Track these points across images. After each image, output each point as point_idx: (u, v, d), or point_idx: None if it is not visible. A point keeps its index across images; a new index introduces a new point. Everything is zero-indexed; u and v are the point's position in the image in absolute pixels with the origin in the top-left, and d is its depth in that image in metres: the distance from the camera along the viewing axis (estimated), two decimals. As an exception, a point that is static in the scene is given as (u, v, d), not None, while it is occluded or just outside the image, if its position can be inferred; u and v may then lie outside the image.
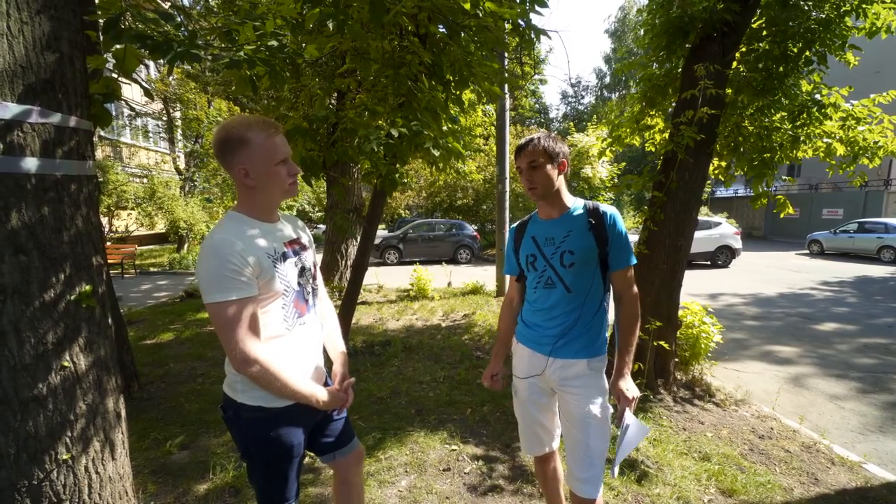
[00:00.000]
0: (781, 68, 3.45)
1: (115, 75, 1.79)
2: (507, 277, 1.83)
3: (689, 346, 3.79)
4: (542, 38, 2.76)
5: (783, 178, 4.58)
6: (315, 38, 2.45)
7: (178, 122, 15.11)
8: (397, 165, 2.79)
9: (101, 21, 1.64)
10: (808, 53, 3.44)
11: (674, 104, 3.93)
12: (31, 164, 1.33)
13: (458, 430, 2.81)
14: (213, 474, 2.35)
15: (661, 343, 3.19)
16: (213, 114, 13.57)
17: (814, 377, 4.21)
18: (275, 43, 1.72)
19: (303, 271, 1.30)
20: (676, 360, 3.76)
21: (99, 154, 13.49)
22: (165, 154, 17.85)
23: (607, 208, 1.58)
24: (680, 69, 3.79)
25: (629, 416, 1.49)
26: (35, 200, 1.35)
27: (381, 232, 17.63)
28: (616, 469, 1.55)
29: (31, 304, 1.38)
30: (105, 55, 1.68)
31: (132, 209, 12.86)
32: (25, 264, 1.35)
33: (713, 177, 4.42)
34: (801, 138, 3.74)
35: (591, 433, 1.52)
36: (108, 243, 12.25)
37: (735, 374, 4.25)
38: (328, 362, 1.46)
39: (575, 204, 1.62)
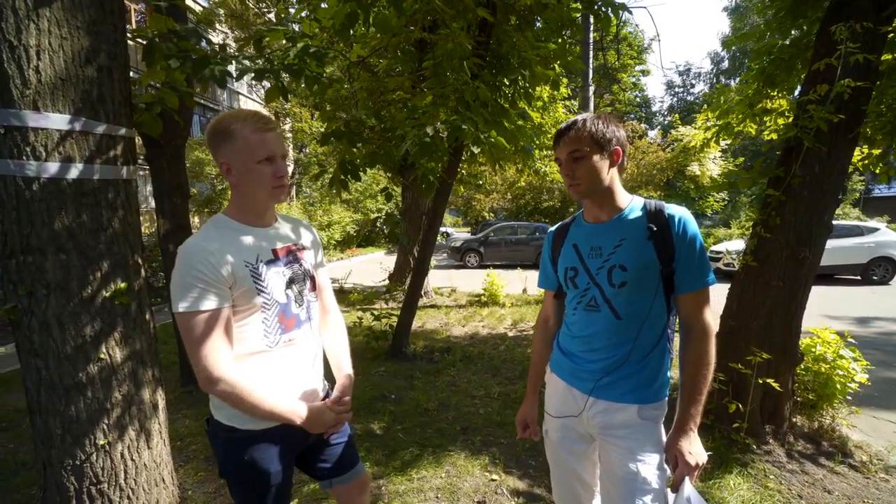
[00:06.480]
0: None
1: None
2: (542, 291, 1.53)
3: (817, 386, 2.96)
4: (647, 25, 2.36)
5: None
6: (362, 38, 2.42)
7: (289, 134, 16.91)
8: (433, 165, 2.63)
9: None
10: None
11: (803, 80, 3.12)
12: (70, 170, 1.44)
13: (503, 456, 2.52)
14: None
15: (770, 381, 2.51)
16: (315, 125, 14.91)
17: None
18: (300, 45, 1.69)
19: (291, 281, 1.18)
20: (797, 399, 2.97)
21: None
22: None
23: (676, 210, 1.20)
24: (812, 37, 2.99)
25: (688, 489, 1.11)
26: (74, 204, 1.46)
27: (464, 234, 17.66)
28: None
29: (72, 300, 1.49)
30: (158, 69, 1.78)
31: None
32: (66, 262, 1.47)
33: (860, 168, 3.44)
34: None
35: (632, 498, 1.16)
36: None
37: (890, 428, 3.23)
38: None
39: (632, 204, 1.25)
